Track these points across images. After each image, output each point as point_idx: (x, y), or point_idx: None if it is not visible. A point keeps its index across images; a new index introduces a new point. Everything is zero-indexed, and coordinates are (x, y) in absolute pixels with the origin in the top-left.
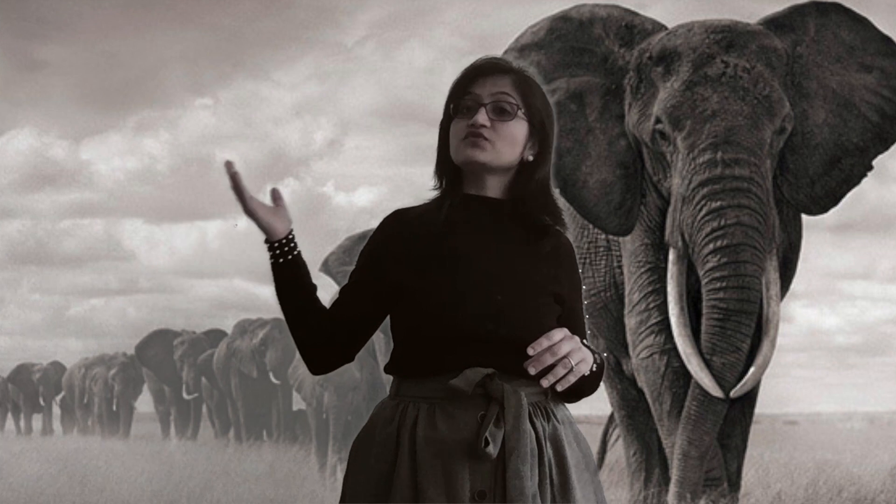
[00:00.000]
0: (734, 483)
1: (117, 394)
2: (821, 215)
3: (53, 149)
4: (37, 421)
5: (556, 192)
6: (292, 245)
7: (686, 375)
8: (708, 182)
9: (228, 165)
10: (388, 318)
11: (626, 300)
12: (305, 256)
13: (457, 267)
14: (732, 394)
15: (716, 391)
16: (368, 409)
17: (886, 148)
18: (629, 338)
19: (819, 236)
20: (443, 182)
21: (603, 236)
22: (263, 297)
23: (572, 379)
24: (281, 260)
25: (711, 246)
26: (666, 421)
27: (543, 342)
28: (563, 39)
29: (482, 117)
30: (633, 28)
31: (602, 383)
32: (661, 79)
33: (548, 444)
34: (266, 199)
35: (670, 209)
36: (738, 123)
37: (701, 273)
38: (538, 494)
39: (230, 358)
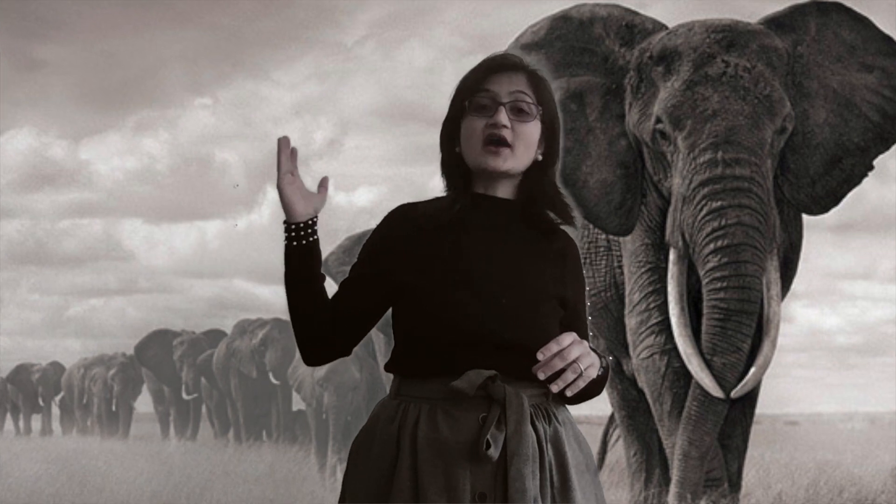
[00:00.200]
0: (735, 483)
1: (116, 394)
2: (821, 215)
3: (52, 148)
4: (36, 421)
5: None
6: (309, 231)
7: (687, 376)
8: (708, 182)
9: (283, 141)
10: (387, 317)
11: (627, 300)
12: None
13: (462, 269)
14: (733, 394)
15: (716, 391)
16: (368, 410)
17: (887, 148)
18: (629, 338)
19: (820, 236)
20: (451, 181)
21: (603, 236)
22: (263, 297)
23: (581, 384)
24: (294, 243)
25: (712, 246)
26: (666, 421)
27: (553, 347)
28: (563, 39)
29: (503, 118)
30: (633, 27)
31: None
32: (662, 78)
33: (549, 447)
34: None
35: (671, 209)
36: (738, 123)
37: (701, 273)
38: (539, 497)
39: (230, 358)
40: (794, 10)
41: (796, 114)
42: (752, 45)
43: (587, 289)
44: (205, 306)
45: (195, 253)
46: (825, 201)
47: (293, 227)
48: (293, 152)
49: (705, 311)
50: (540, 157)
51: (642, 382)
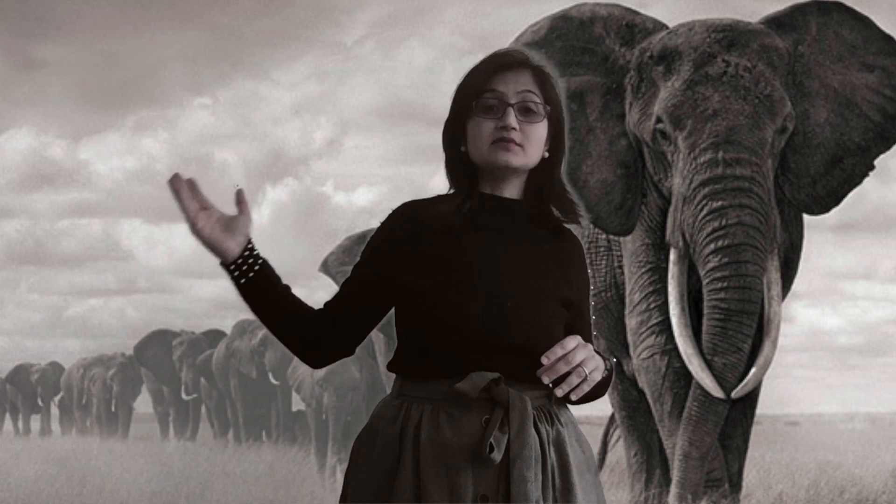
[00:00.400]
0: (735, 484)
1: (116, 394)
2: (822, 215)
3: (52, 148)
4: (35, 421)
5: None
6: (251, 262)
7: (687, 376)
8: (709, 182)
9: (174, 182)
10: (388, 317)
11: (627, 300)
12: (304, 256)
13: (467, 270)
14: (734, 394)
15: (717, 392)
16: (368, 410)
17: (888, 147)
18: (630, 338)
19: (821, 236)
20: (457, 181)
21: (604, 236)
22: None
23: (586, 388)
24: (243, 280)
25: (712, 246)
26: (667, 422)
27: (558, 351)
28: (563, 38)
29: (512, 119)
30: (633, 27)
31: None
32: (662, 78)
33: (551, 449)
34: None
35: (671, 209)
36: (739, 123)
37: (702, 273)
38: (541, 499)
39: (229, 358)
40: (794, 10)
41: (797, 113)
42: (753, 44)
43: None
44: (204, 306)
45: (195, 253)
46: (826, 201)
47: (232, 267)
48: (192, 185)
49: (706, 311)
50: (546, 155)
51: (643, 383)
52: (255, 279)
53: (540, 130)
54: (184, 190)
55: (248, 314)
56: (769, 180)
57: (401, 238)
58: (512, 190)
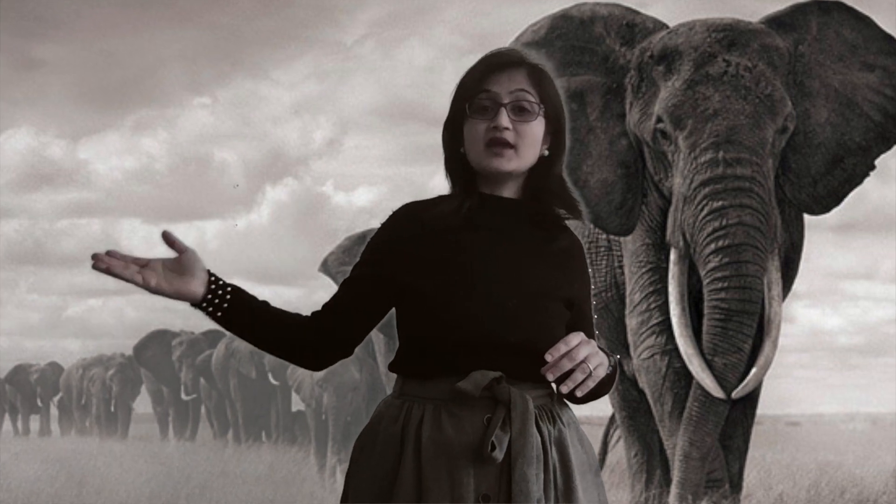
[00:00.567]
0: (736, 484)
1: (115, 394)
2: (823, 215)
3: (51, 148)
4: (34, 422)
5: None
6: (220, 294)
7: (687, 376)
8: (710, 182)
9: (98, 262)
10: (389, 317)
11: (627, 300)
12: (304, 256)
13: (468, 270)
14: (734, 395)
15: (717, 392)
16: (368, 410)
17: (889, 147)
18: (630, 338)
19: (821, 236)
20: (456, 181)
21: (604, 236)
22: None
23: (591, 384)
24: (219, 314)
25: (713, 246)
26: (667, 422)
27: (561, 347)
28: (563, 38)
29: (504, 119)
30: (634, 27)
31: None
32: (663, 78)
33: (553, 448)
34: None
35: (671, 209)
36: (739, 123)
37: (702, 273)
38: (543, 499)
39: (229, 358)
40: (795, 9)
41: (798, 113)
42: (754, 44)
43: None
44: None
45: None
46: (826, 201)
47: (204, 304)
48: (114, 255)
49: (706, 311)
50: (546, 153)
51: (643, 383)
52: (231, 308)
53: (535, 129)
54: (114, 264)
55: None
56: (770, 180)
57: (401, 239)
58: (511, 189)
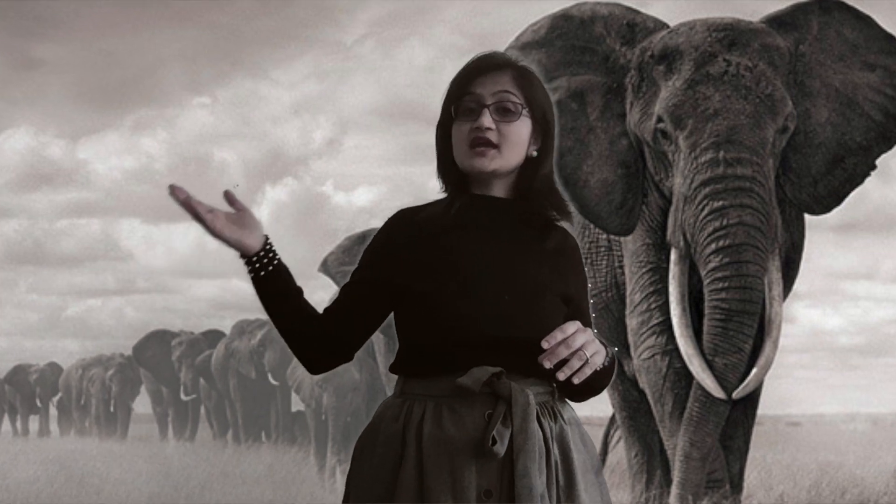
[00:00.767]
0: (736, 485)
1: (115, 395)
2: (824, 215)
3: (50, 148)
4: (34, 422)
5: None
6: (270, 256)
7: (688, 376)
8: (710, 181)
9: (176, 192)
10: (389, 318)
11: (628, 300)
12: (304, 256)
13: (464, 268)
14: (735, 395)
15: (718, 392)
16: (368, 410)
17: (890, 147)
18: (630, 339)
19: (822, 236)
20: (447, 183)
21: (604, 236)
22: None
23: (588, 371)
24: (262, 273)
25: (713, 246)
26: (668, 422)
27: (557, 335)
28: (564, 38)
29: (487, 120)
30: (634, 26)
31: None
32: (663, 77)
33: (554, 445)
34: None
35: (672, 209)
36: (740, 122)
37: (703, 273)
38: (546, 494)
39: (228, 359)
40: (796, 9)
41: (798, 113)
42: (754, 43)
43: (589, 286)
44: (203, 306)
45: (194, 253)
46: (827, 201)
47: (254, 259)
48: (186, 197)
49: (707, 311)
50: (535, 154)
51: (643, 383)
52: (274, 272)
53: (519, 129)
54: (185, 198)
55: (247, 315)
56: (770, 180)
57: (397, 243)
58: (501, 189)
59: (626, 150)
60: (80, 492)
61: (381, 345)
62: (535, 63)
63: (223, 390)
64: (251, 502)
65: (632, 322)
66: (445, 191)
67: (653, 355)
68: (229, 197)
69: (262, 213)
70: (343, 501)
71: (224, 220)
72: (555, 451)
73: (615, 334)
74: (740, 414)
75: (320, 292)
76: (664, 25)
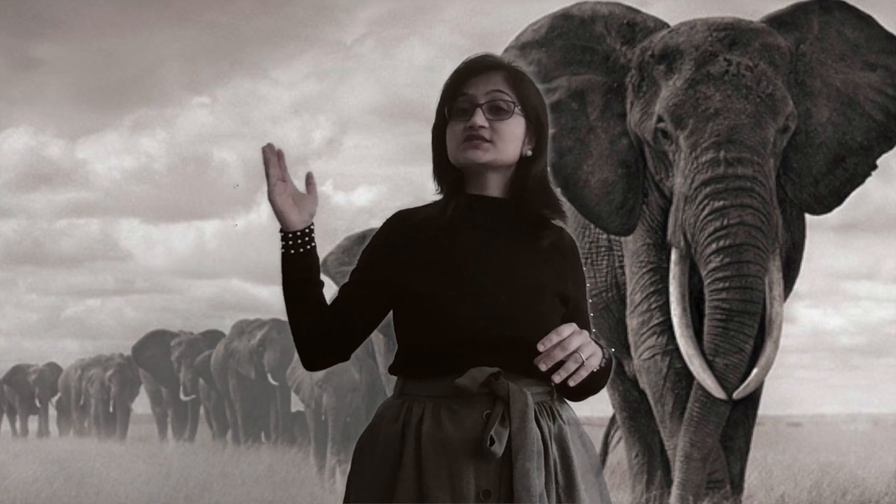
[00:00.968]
0: (737, 485)
1: (114, 395)
2: (824, 215)
3: (49, 148)
4: (33, 423)
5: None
6: (307, 240)
7: (688, 377)
8: (711, 181)
9: (270, 148)
10: (388, 318)
11: (628, 301)
12: None
13: (461, 268)
14: (735, 395)
15: (718, 392)
16: (367, 411)
17: (891, 147)
18: (631, 339)
19: (823, 236)
20: (443, 185)
21: (604, 236)
22: (262, 297)
23: (584, 373)
24: (292, 251)
25: (714, 246)
26: (668, 423)
27: (553, 337)
28: (564, 37)
29: (480, 118)
30: (635, 26)
31: None
32: (664, 77)
33: (553, 445)
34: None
35: (672, 209)
36: (740, 122)
37: (703, 273)
38: (545, 494)
39: (228, 359)
40: (796, 9)
41: (799, 112)
42: (755, 43)
43: (587, 286)
44: (203, 307)
45: (193, 253)
46: (828, 201)
47: (290, 236)
48: (280, 155)
49: (707, 311)
50: (529, 153)
51: (644, 383)
52: (303, 255)
53: (512, 127)
54: (272, 159)
55: (246, 315)
56: (771, 180)
57: (394, 244)
58: (496, 189)
59: (627, 149)
60: (79, 492)
61: (380, 345)
62: (536, 63)
63: (223, 391)
64: (251, 502)
65: (632, 322)
66: (441, 192)
67: (653, 355)
68: (308, 179)
69: (263, 213)
70: (343, 501)
71: (285, 191)
72: (553, 450)
73: (616, 334)
74: (741, 414)
75: None
76: (665, 25)
